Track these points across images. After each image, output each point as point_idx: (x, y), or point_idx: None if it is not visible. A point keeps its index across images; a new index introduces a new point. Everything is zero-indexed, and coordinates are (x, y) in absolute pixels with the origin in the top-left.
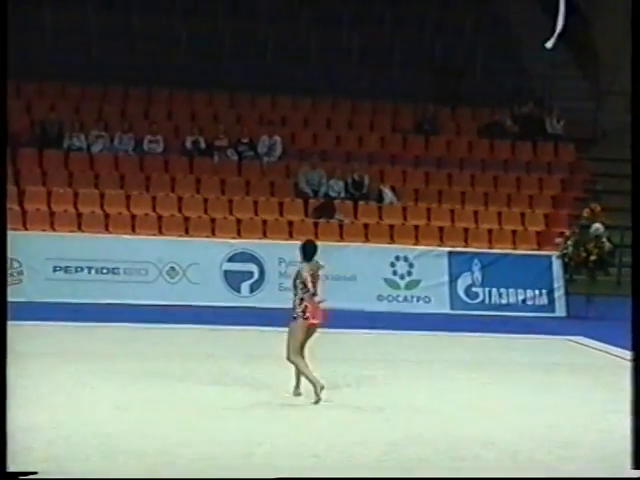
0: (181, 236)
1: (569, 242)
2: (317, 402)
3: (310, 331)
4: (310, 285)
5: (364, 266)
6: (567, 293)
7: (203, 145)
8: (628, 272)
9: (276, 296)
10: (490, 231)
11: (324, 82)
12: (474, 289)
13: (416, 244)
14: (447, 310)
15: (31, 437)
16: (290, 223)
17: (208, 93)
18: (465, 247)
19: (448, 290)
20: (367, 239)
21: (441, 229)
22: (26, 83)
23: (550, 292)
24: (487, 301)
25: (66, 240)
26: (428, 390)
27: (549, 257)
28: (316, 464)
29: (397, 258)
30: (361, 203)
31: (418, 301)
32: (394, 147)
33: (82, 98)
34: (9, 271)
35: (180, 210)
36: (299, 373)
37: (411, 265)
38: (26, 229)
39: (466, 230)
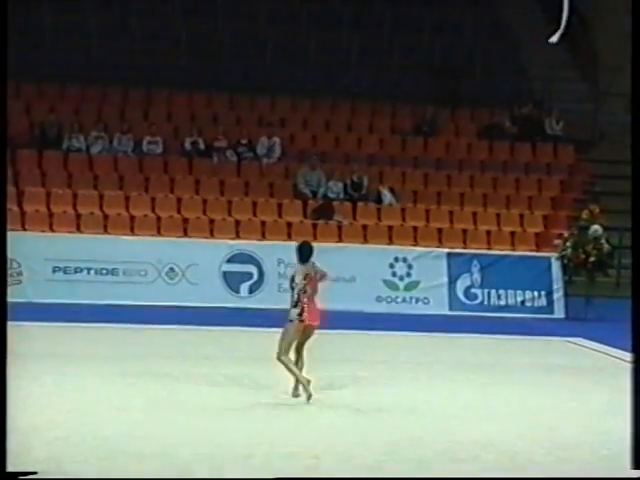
0: (180, 237)
1: (568, 243)
2: (309, 398)
3: (307, 332)
4: (306, 286)
5: (363, 267)
6: (566, 294)
7: (202, 146)
8: (627, 274)
9: (275, 297)
10: (489, 232)
11: (323, 83)
12: (473, 290)
13: (415, 245)
14: (446, 311)
15: (30, 438)
16: (289, 224)
17: (207, 94)
18: (464, 248)
19: (447, 291)
20: (366, 240)
21: (440, 230)
22: (25, 84)
23: (549, 293)
24: (486, 302)
25: (65, 241)
26: (427, 391)
27: (548, 258)
28: (315, 465)
29: (396, 259)
30: (360, 204)
31: (417, 302)
32: (393, 148)
33: (81, 99)
34: (8, 272)
35: (179, 211)
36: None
37: (410, 266)
38: (25, 230)
39: (465, 231)
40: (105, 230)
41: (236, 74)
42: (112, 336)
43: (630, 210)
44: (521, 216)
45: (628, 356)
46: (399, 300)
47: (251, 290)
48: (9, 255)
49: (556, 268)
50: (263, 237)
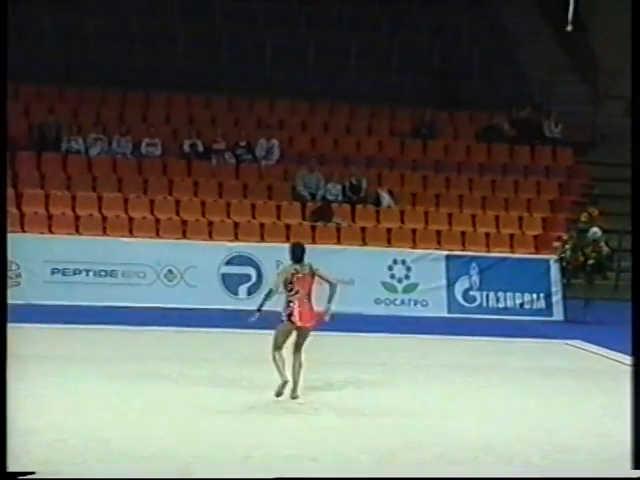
0: (179, 239)
1: (567, 246)
2: (278, 396)
3: (301, 334)
4: (295, 287)
5: (361, 270)
6: (565, 297)
7: (201, 148)
8: (626, 276)
9: (274, 299)
10: (488, 235)
11: (322, 86)
12: (472, 293)
13: (414, 248)
14: (445, 314)
15: (29, 440)
16: (288, 226)
17: (206, 96)
18: (463, 251)
19: (446, 294)
20: (365, 243)
21: (439, 233)
22: (24, 86)
23: (548, 296)
24: (485, 305)
25: (64, 243)
26: (426, 394)
27: (547, 261)
28: (313, 468)
29: (395, 262)
30: (359, 207)
31: (416, 305)
32: (392, 151)
33: (80, 101)
34: (7, 274)
35: (178, 213)
36: (296, 376)
37: (409, 269)
38: (24, 232)
39: (464, 234)
40: (104, 232)
41: (235, 76)
42: (111, 338)
43: (629, 213)
44: (520, 219)
45: (627, 359)
46: (398, 302)
47: (250, 292)
48: (8, 257)
49: (555, 271)
50: (262, 239)
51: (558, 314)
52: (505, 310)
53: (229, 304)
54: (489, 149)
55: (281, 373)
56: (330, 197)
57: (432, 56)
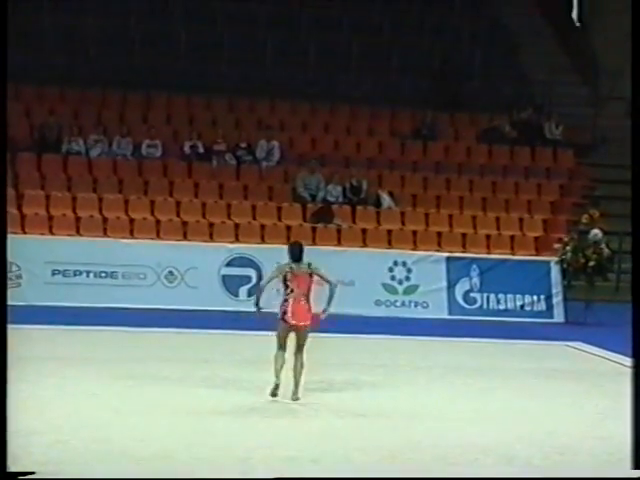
0: (179, 240)
1: (568, 248)
2: (273, 396)
3: (299, 334)
4: (290, 285)
5: (362, 271)
6: (565, 299)
7: (201, 150)
8: (627, 278)
9: (274, 301)
10: (488, 236)
11: (323, 87)
12: (472, 294)
13: (414, 249)
14: (445, 315)
15: (30, 441)
16: (288, 228)
17: (207, 98)
18: (463, 252)
19: (446, 295)
20: (365, 244)
21: (439, 234)
22: (25, 87)
23: (548, 298)
24: (485, 306)
25: (65, 244)
26: (426, 395)
27: (547, 263)
28: (314, 469)
29: (395, 263)
30: (359, 208)
31: (416, 306)
32: (392, 152)
33: (81, 102)
34: (8, 275)
35: (178, 214)
36: (297, 376)
37: (409, 270)
38: (25, 233)
39: (464, 235)
40: (104, 233)
41: (235, 77)
42: (111, 339)
43: (630, 214)
44: (521, 220)
45: (627, 361)
46: (398, 304)
47: (250, 293)
48: (8, 258)
49: (555, 272)
50: (262, 241)
51: (559, 316)
52: (506, 312)
53: (229, 305)
54: (490, 150)
55: (276, 375)
56: (331, 198)
57: (433, 57)
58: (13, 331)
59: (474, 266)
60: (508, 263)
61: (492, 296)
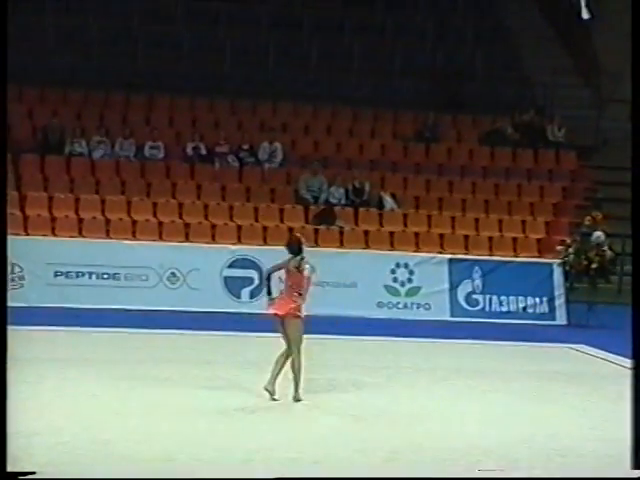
0: (182, 242)
1: (570, 250)
2: (270, 395)
3: (284, 326)
4: (286, 280)
5: (364, 273)
6: (568, 301)
7: (204, 151)
8: (629, 280)
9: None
10: (491, 238)
11: (325, 89)
12: (474, 296)
13: (416, 251)
14: (447, 317)
15: (30, 442)
16: (290, 230)
17: (209, 99)
18: (466, 254)
19: (448, 297)
20: (367, 246)
21: (442, 236)
22: (28, 88)
23: (551, 300)
24: (487, 309)
25: (67, 245)
26: (428, 397)
27: (550, 265)
28: (315, 470)
29: (397, 265)
30: (362, 210)
31: (418, 308)
32: (395, 154)
33: (84, 104)
34: (10, 276)
35: (181, 216)
36: (296, 376)
37: (411, 272)
38: (27, 234)
39: (467, 237)
40: (107, 235)
41: (238, 79)
42: (113, 340)
43: (631, 216)
44: (523, 222)
45: (629, 363)
46: (400, 306)
47: (252, 295)
48: (11, 259)
49: (558, 274)
50: (265, 242)
51: (561, 318)
52: (508, 314)
53: (232, 307)
54: (492, 153)
55: (270, 378)
56: (333, 200)
57: (435, 59)
58: (15, 332)
59: (476, 268)
60: (510, 265)
61: (494, 298)
